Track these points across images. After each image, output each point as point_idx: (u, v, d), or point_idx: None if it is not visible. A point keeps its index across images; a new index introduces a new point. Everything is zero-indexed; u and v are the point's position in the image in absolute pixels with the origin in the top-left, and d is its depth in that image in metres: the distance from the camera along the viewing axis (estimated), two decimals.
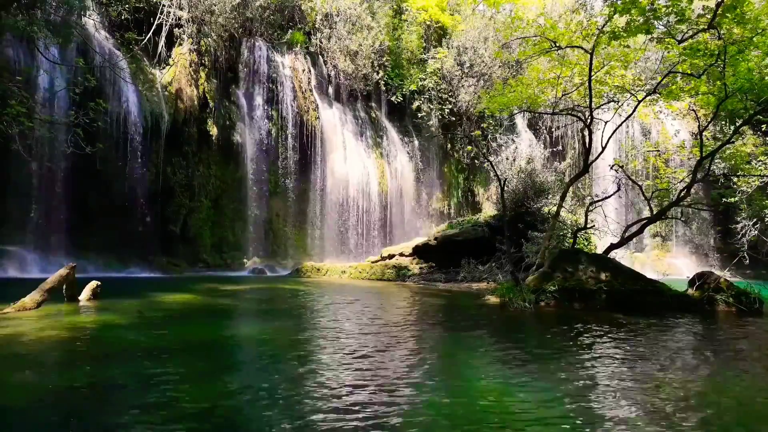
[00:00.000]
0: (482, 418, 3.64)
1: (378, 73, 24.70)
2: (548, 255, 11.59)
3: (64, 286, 8.49)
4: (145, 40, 18.68)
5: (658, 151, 24.38)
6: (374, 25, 24.65)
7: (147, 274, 16.65)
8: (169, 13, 19.12)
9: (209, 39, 20.22)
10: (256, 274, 18.66)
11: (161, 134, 18.30)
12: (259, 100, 21.54)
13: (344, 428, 3.32)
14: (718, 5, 9.71)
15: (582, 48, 11.78)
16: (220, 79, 21.01)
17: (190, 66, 19.65)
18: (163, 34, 19.19)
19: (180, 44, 19.71)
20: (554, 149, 26.58)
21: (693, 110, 14.61)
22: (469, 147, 25.93)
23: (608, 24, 10.85)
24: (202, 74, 20.13)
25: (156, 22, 18.86)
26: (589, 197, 22.98)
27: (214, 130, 20.05)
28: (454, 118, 26.31)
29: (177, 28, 19.56)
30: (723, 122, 20.56)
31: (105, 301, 8.92)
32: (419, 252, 17.75)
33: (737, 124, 12.11)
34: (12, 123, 11.48)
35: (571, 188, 14.81)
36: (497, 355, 5.84)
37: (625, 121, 13.35)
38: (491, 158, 18.22)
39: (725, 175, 16.25)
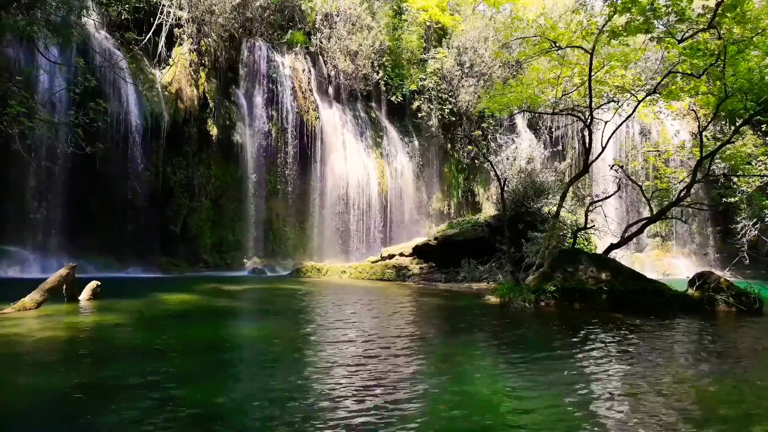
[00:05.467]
0: (482, 417, 3.64)
1: (378, 73, 24.69)
2: (548, 255, 11.58)
3: (64, 286, 8.49)
4: (145, 40, 18.66)
5: (658, 151, 24.36)
6: (374, 25, 24.63)
7: (147, 274, 16.64)
8: (169, 13, 19.11)
9: (209, 39, 20.20)
10: (256, 274, 18.65)
11: (161, 134, 18.28)
12: (259, 100, 21.52)
13: (344, 428, 3.32)
14: (718, 5, 9.70)
15: (582, 48, 11.77)
16: (220, 79, 21.00)
17: (190, 66, 19.64)
18: (163, 34, 19.18)
19: (180, 44, 19.70)
20: (554, 149, 26.57)
21: (693, 110, 14.62)
22: (469, 147, 25.91)
23: (608, 24, 10.85)
24: (202, 74, 20.12)
25: (156, 22, 18.85)
26: (589, 197, 22.96)
27: (214, 130, 20.04)
28: (454, 118, 26.29)
29: (177, 28, 19.55)
30: (723, 122, 20.58)
31: (105, 301, 8.92)
32: (419, 252, 17.74)
33: (737, 124, 12.10)
34: (12, 123, 11.46)
35: (571, 188, 14.80)
36: (497, 354, 5.84)
37: (625, 121, 13.35)
38: (491, 158, 18.22)
39: (725, 175, 16.23)
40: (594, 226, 13.61)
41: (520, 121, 27.77)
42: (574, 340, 6.66)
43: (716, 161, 14.22)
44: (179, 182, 18.91)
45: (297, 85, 22.31)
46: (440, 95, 25.98)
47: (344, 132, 23.57)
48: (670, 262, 25.36)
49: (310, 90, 22.90)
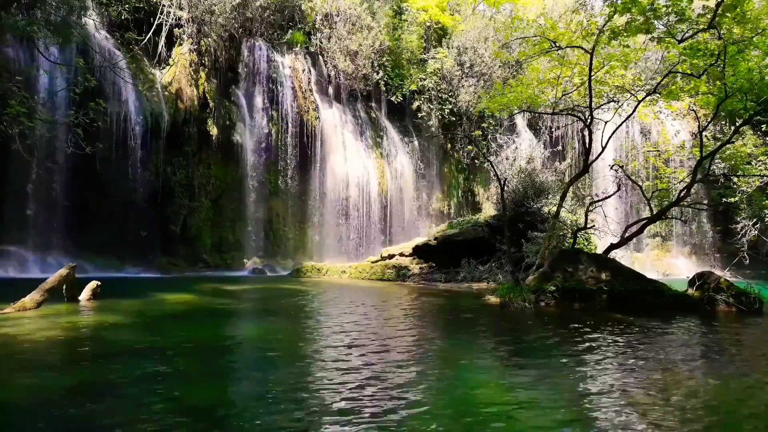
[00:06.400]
0: (482, 417, 3.64)
1: (378, 73, 24.69)
2: (548, 255, 11.58)
3: (64, 286, 8.49)
4: (145, 40, 18.66)
5: (658, 151, 24.36)
6: (374, 25, 24.63)
7: (147, 274, 16.64)
8: (169, 13, 19.11)
9: (209, 39, 20.20)
10: (256, 274, 18.65)
11: (161, 134, 18.28)
12: (259, 100, 21.52)
13: (343, 428, 3.32)
14: (718, 5, 9.70)
15: (582, 48, 11.77)
16: (220, 79, 20.99)
17: (190, 66, 19.64)
18: (163, 34, 19.18)
19: (180, 44, 19.70)
20: (554, 149, 26.56)
21: (693, 110, 14.61)
22: (469, 147, 25.91)
23: (608, 24, 10.85)
24: (202, 74, 20.12)
25: (156, 22, 18.85)
26: (589, 197, 22.95)
27: (214, 130, 20.04)
28: (454, 118, 26.29)
29: (177, 28, 19.55)
30: (723, 122, 20.58)
31: (105, 301, 8.92)
32: (419, 252, 17.73)
33: (737, 124, 12.10)
34: (12, 123, 11.46)
35: (571, 188, 14.80)
36: (497, 355, 5.84)
37: (625, 121, 13.34)
38: (491, 158, 18.22)
39: (725, 175, 16.24)
40: (594, 226, 13.61)
41: (520, 121, 27.77)
42: (575, 340, 6.66)
43: (716, 161, 14.22)
44: (179, 182, 18.91)
45: (297, 85, 22.32)
46: (440, 95, 25.97)
47: (344, 132, 23.57)
48: (670, 262, 25.37)
49: (310, 90, 22.90)
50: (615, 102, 13.24)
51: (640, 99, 12.31)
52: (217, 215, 20.38)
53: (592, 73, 11.40)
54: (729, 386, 4.59)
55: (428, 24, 26.81)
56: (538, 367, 5.12)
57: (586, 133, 12.80)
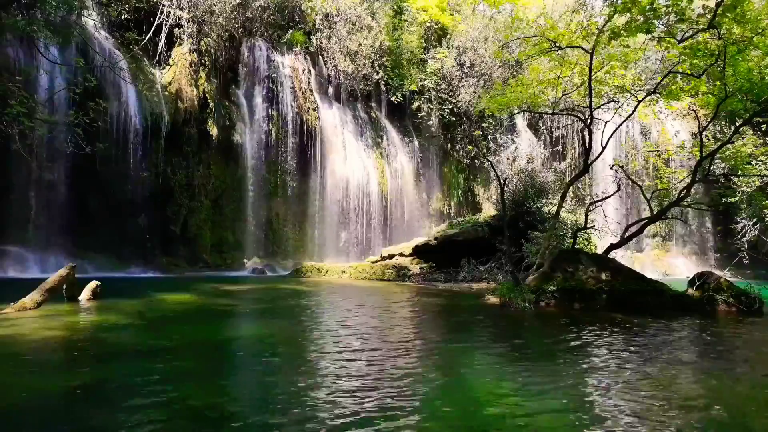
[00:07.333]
0: (481, 417, 3.64)
1: (378, 73, 24.68)
2: (548, 255, 11.58)
3: (64, 286, 8.49)
4: (145, 40, 18.66)
5: (658, 151, 24.36)
6: (374, 25, 24.63)
7: (147, 274, 16.64)
8: (169, 13, 19.11)
9: (209, 39, 20.20)
10: (256, 274, 18.65)
11: (161, 134, 18.27)
12: (259, 100, 21.53)
13: (343, 429, 3.32)
14: (718, 5, 9.70)
15: (582, 48, 11.77)
16: (220, 79, 20.99)
17: (190, 66, 19.63)
18: (163, 34, 19.17)
19: (180, 44, 19.70)
20: (554, 149, 26.56)
21: (693, 110, 14.62)
22: (469, 147, 25.91)
23: (608, 24, 10.84)
24: (202, 74, 20.12)
25: (156, 22, 18.84)
26: (589, 197, 22.96)
27: (214, 130, 20.03)
28: (454, 118, 26.30)
29: (177, 28, 19.54)
30: (723, 122, 20.59)
31: (105, 301, 8.92)
32: (419, 252, 17.74)
33: (737, 124, 12.11)
34: (12, 123, 11.46)
35: (571, 188, 14.81)
36: (497, 355, 5.84)
37: (625, 121, 13.35)
38: (491, 158, 18.23)
39: (725, 175, 16.24)
40: (594, 226, 13.61)
41: (520, 121, 27.77)
42: (575, 340, 6.66)
43: (716, 161, 14.22)
44: (179, 182, 18.90)
45: (297, 85, 22.31)
46: (440, 95, 25.97)
47: (344, 132, 23.57)
48: (670, 262, 25.38)
49: (310, 90, 22.90)
50: (615, 102, 13.24)
51: (640, 99, 12.31)
52: (217, 215, 20.37)
53: (592, 73, 11.39)
54: (730, 386, 4.59)
55: (428, 24, 26.81)
56: (538, 368, 5.12)
57: (586, 133, 12.80)
